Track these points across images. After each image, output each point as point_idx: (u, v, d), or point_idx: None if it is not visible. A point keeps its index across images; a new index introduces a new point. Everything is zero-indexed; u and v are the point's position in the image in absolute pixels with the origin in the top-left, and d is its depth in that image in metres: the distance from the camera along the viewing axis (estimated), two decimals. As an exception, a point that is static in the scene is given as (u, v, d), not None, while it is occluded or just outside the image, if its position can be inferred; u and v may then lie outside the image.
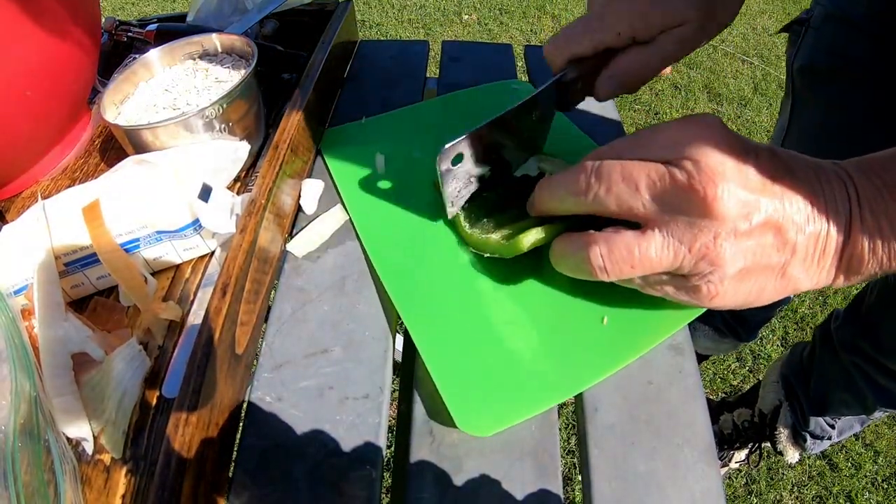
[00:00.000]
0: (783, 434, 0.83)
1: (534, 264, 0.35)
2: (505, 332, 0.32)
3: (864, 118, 0.55)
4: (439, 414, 0.30)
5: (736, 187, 0.23)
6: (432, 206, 0.40)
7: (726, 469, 0.94)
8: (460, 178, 0.34)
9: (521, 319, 0.33)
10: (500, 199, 0.37)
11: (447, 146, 0.32)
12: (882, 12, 0.49)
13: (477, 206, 0.37)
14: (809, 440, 0.80)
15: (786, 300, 1.01)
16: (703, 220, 0.24)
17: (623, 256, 0.26)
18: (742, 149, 0.24)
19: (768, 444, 0.88)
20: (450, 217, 0.36)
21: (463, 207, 0.37)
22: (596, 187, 0.26)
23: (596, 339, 0.31)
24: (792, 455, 0.85)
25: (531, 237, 0.31)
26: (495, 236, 0.34)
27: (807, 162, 0.25)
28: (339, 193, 0.42)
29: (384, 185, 0.42)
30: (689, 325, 0.33)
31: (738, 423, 0.91)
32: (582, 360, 0.31)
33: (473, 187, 0.36)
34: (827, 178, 0.24)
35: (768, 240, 0.24)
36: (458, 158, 0.33)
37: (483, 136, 0.33)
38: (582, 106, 0.51)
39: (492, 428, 0.28)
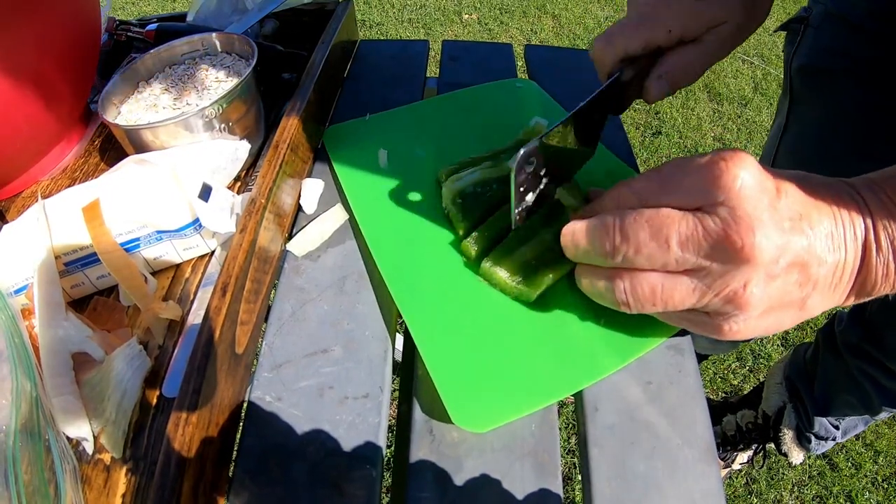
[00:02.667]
0: (788, 435, 0.83)
1: None
2: (503, 330, 0.32)
3: (864, 117, 0.54)
4: (437, 410, 0.30)
5: (773, 232, 0.23)
6: (433, 203, 0.40)
7: (728, 470, 0.94)
8: (528, 184, 0.32)
9: (519, 318, 0.33)
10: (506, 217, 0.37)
11: (524, 150, 0.29)
12: (883, 10, 0.48)
13: (484, 228, 0.37)
14: (814, 441, 0.80)
15: None
16: (736, 266, 0.23)
17: (646, 295, 0.26)
18: (773, 187, 0.24)
19: (772, 445, 0.88)
20: (514, 226, 0.34)
21: (466, 223, 0.37)
22: (624, 248, 0.25)
23: (593, 341, 0.32)
24: (797, 456, 0.85)
25: (541, 287, 0.32)
26: (503, 274, 0.33)
27: (825, 185, 0.25)
28: (341, 188, 0.42)
29: (386, 180, 0.42)
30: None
31: (741, 425, 0.91)
32: (578, 360, 0.31)
33: (530, 201, 0.33)
34: (845, 202, 0.24)
35: (793, 277, 0.24)
36: (531, 163, 0.31)
37: (551, 141, 0.31)
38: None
39: (487, 424, 0.28)
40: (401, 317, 0.33)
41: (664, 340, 0.32)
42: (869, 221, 0.23)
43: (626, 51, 0.33)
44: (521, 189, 0.31)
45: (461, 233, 0.37)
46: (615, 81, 0.34)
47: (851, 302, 0.25)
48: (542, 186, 0.33)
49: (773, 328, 0.26)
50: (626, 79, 0.34)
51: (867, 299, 0.25)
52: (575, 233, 0.29)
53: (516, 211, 0.32)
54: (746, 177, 0.23)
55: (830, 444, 0.81)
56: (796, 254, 0.23)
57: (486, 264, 0.34)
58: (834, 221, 0.23)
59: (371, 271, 0.37)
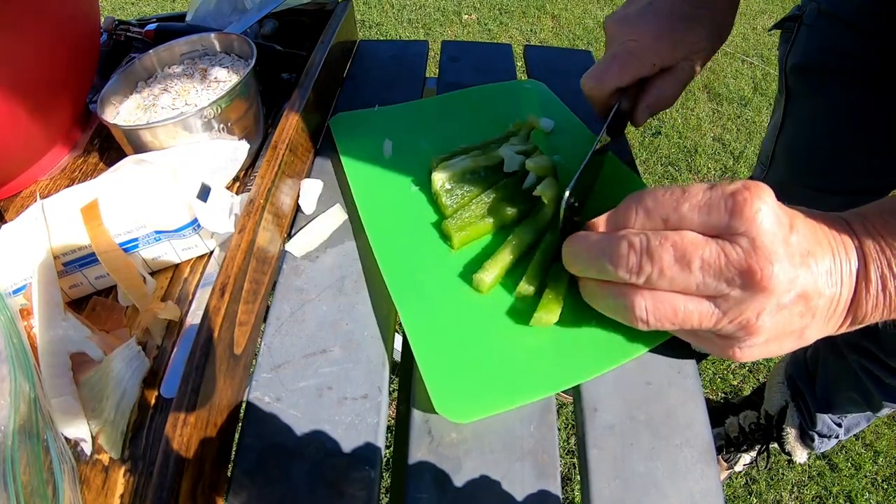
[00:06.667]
0: (791, 434, 0.83)
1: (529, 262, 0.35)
2: (494, 323, 0.32)
3: (858, 116, 0.55)
4: (426, 402, 0.30)
5: (787, 265, 0.24)
6: (430, 193, 0.40)
7: (730, 471, 0.94)
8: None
9: (511, 312, 0.33)
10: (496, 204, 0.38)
11: (568, 193, 0.32)
12: (874, 7, 0.49)
13: (466, 210, 0.37)
14: (817, 439, 0.81)
15: None
16: (752, 295, 0.24)
17: (667, 314, 0.26)
18: (788, 223, 0.25)
19: (775, 445, 0.88)
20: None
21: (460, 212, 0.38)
22: (648, 269, 0.26)
23: (584, 341, 0.31)
24: (800, 455, 0.85)
25: (551, 317, 0.31)
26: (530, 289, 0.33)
27: (825, 221, 0.26)
28: (343, 176, 0.43)
29: (389, 169, 0.43)
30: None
31: (744, 426, 0.91)
32: (569, 359, 0.31)
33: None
34: (842, 239, 0.25)
35: (798, 309, 0.25)
36: (571, 203, 0.33)
37: (584, 179, 0.35)
38: (582, 103, 0.51)
39: (470, 415, 0.28)
40: (397, 311, 0.33)
41: (648, 349, 0.31)
42: (862, 260, 0.25)
43: (617, 86, 0.38)
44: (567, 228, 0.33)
45: (448, 217, 0.38)
46: (617, 111, 0.39)
47: (844, 329, 0.26)
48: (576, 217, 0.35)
49: (773, 353, 0.27)
50: (625, 108, 0.40)
51: (858, 327, 0.26)
52: (590, 247, 0.29)
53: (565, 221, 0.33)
54: (766, 210, 0.24)
55: (833, 441, 0.81)
56: (803, 287, 0.24)
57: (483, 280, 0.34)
58: (833, 258, 0.25)
59: (371, 266, 0.37)
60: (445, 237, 0.37)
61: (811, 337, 0.26)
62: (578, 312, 0.32)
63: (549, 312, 0.31)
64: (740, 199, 0.25)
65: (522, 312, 0.33)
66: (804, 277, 0.24)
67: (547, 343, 0.31)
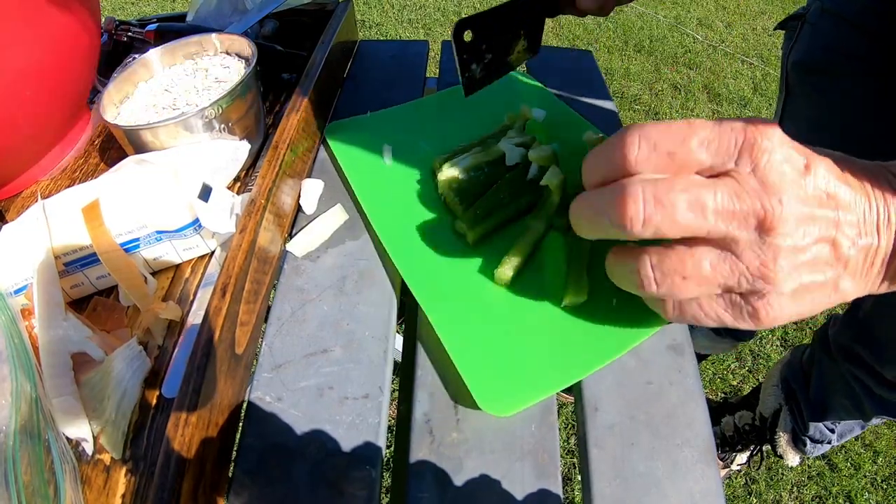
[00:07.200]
0: (783, 438, 0.83)
1: (544, 250, 0.36)
2: (525, 315, 0.33)
3: (857, 113, 0.55)
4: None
5: (797, 203, 0.23)
6: (440, 195, 0.41)
7: (727, 470, 0.94)
8: (472, 54, 0.38)
9: (540, 301, 0.34)
10: (506, 203, 0.38)
11: (458, 20, 0.35)
12: (879, 7, 0.49)
13: (476, 207, 0.37)
14: (809, 444, 0.80)
15: None
16: (762, 236, 0.23)
17: (675, 267, 0.24)
18: (802, 164, 0.23)
19: (769, 447, 0.88)
20: (465, 95, 0.40)
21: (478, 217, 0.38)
22: (658, 218, 0.23)
23: (607, 320, 0.32)
24: (792, 459, 0.85)
25: (579, 296, 0.33)
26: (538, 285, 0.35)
27: (863, 169, 0.24)
28: (347, 185, 0.43)
29: (392, 175, 0.43)
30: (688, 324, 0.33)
31: (739, 426, 0.91)
32: (594, 341, 0.31)
33: (476, 72, 0.40)
34: (882, 186, 0.24)
35: (823, 255, 0.23)
36: (471, 39, 0.37)
37: (490, 20, 0.37)
38: (582, 102, 0.51)
39: (513, 408, 0.29)
40: (400, 317, 0.33)
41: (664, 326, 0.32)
42: None
43: None
44: (465, 56, 0.37)
45: (459, 216, 0.38)
46: None
47: (885, 288, 0.25)
48: (486, 61, 0.39)
49: (808, 310, 0.25)
50: None
51: None
52: (586, 211, 0.26)
53: (465, 76, 0.39)
54: (773, 148, 0.23)
55: (826, 447, 0.81)
56: (823, 229, 0.23)
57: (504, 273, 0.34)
58: (868, 205, 0.23)
59: (372, 266, 0.37)
60: (459, 236, 0.37)
61: (847, 290, 0.24)
62: (597, 292, 0.33)
63: (577, 294, 0.32)
64: (743, 136, 0.23)
65: (550, 299, 0.34)
66: (825, 219, 0.23)
67: (572, 327, 0.32)
